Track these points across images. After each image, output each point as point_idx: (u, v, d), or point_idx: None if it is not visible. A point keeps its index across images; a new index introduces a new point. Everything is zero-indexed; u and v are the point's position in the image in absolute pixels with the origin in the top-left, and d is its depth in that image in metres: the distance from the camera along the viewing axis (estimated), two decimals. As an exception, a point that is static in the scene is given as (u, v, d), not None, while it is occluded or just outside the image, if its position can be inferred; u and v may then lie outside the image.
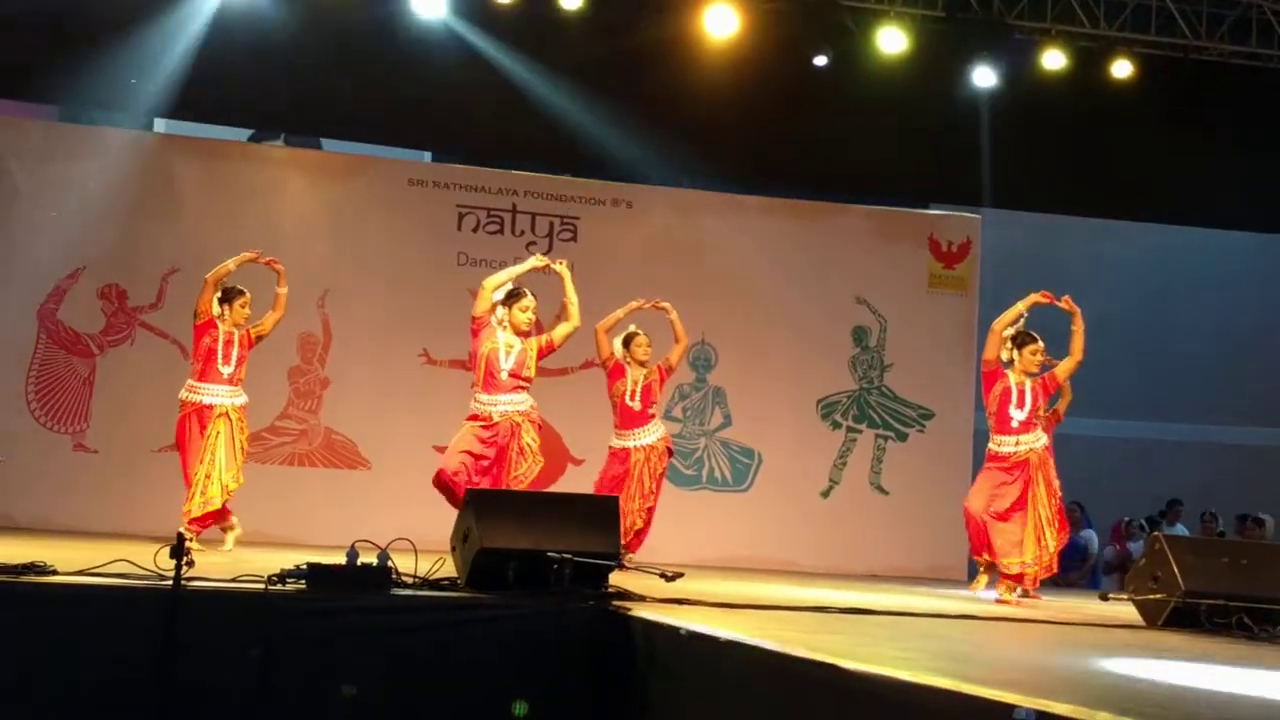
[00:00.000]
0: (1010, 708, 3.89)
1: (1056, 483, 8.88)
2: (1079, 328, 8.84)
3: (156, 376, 10.92)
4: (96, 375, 11.20)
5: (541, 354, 8.71)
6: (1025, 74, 11.35)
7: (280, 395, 11.31)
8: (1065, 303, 8.90)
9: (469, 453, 8.43)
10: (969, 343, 12.38)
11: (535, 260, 8.85)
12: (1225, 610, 7.34)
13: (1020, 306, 8.88)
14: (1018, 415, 8.77)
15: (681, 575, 7.79)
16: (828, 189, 12.67)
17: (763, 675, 5.07)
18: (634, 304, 9.52)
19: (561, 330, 8.74)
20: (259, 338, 9.09)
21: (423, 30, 10.74)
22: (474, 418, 8.53)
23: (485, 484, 8.38)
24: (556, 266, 8.82)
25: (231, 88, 10.92)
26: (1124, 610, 7.98)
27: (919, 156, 11.77)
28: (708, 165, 11.96)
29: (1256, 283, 15.71)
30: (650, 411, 9.43)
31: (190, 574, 5.84)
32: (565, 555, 6.45)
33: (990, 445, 8.92)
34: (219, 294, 8.93)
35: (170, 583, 5.72)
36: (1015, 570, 8.76)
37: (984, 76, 11.29)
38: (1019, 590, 8.86)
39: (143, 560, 6.01)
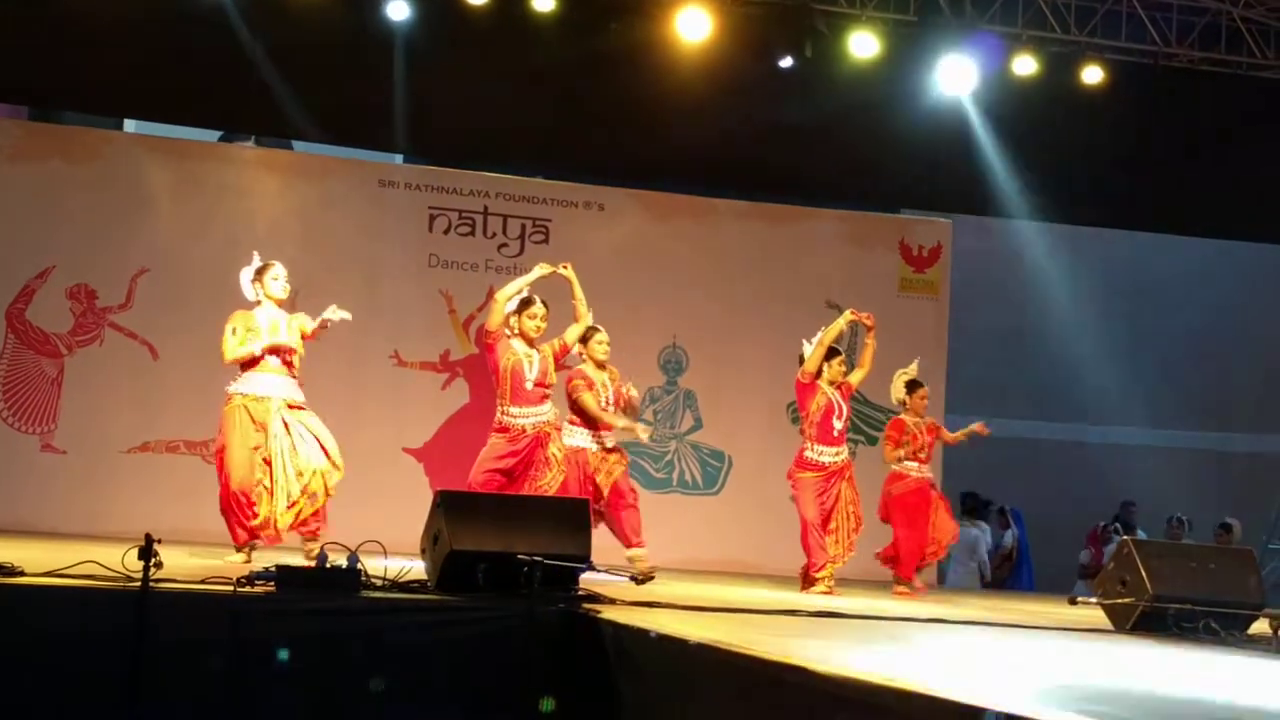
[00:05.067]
0: (980, 711, 3.89)
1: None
2: (871, 343, 9.53)
3: (125, 377, 10.89)
4: (65, 376, 11.13)
5: (557, 359, 8.71)
6: (996, 79, 11.40)
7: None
8: (868, 318, 9.44)
9: (496, 470, 8.41)
10: (940, 347, 12.43)
11: (541, 269, 8.64)
12: (1193, 614, 7.38)
13: (841, 323, 9.40)
14: (838, 425, 9.37)
15: (652, 578, 7.80)
16: (799, 193, 12.69)
17: (732, 678, 5.07)
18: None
19: (573, 332, 8.74)
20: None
21: (394, 31, 10.72)
22: (503, 430, 8.49)
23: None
24: (562, 270, 8.70)
25: (202, 88, 10.88)
26: (1093, 614, 8.01)
27: (890, 161, 11.80)
28: (679, 168, 11.97)
29: (1224, 288, 15.77)
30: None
31: (158, 576, 5.81)
32: (535, 557, 6.44)
33: (808, 454, 9.38)
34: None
35: (138, 585, 5.69)
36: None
37: (955, 82, 11.34)
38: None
39: (110, 561, 5.98)
